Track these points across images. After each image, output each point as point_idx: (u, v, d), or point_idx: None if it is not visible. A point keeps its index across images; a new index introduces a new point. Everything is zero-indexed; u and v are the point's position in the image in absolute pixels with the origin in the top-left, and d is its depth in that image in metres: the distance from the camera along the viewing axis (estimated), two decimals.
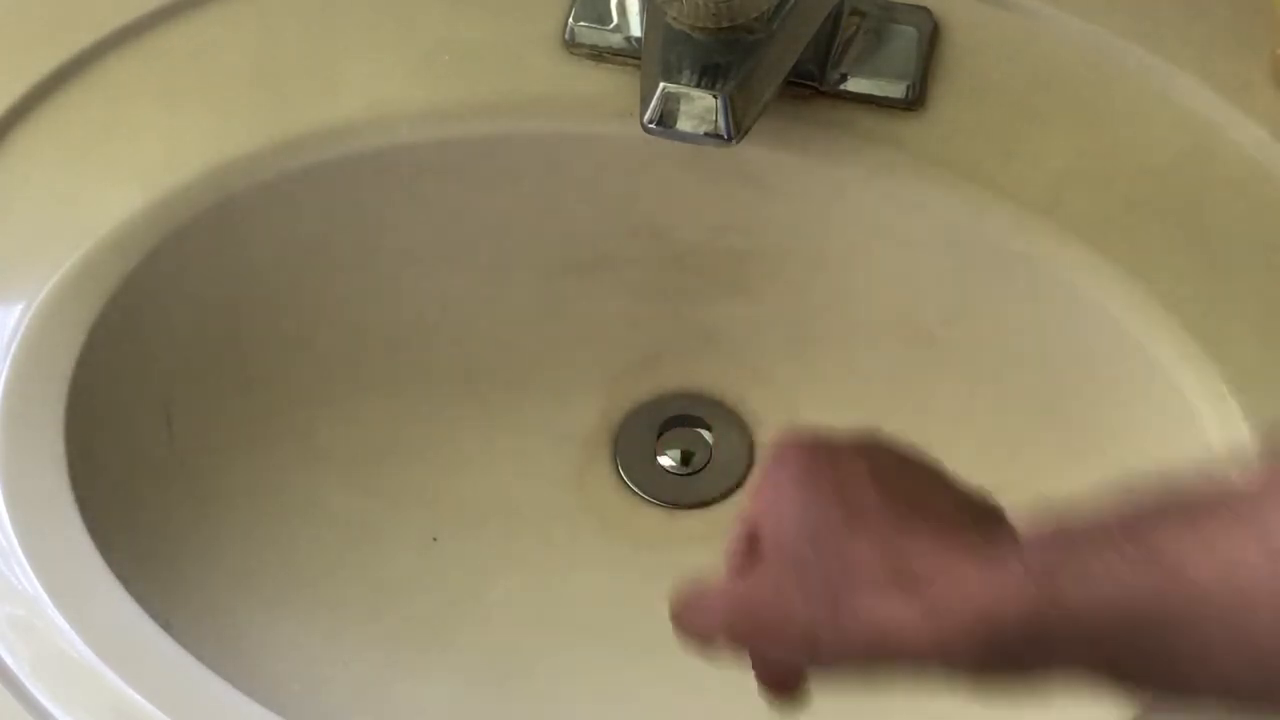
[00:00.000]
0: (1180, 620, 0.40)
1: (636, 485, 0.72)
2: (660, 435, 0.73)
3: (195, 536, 0.67)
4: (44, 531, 0.60)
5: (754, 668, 0.50)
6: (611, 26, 0.69)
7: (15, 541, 0.59)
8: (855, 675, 0.45)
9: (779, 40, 0.64)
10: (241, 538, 0.69)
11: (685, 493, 0.72)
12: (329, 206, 0.69)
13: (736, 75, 0.63)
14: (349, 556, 0.69)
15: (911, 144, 0.67)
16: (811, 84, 0.67)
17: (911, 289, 0.69)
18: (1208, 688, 0.41)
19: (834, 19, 0.68)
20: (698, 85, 0.63)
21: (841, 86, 0.68)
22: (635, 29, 0.69)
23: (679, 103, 0.63)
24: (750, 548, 0.49)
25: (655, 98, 0.63)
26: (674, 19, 0.63)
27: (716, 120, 0.63)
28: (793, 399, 0.72)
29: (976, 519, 0.46)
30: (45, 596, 0.58)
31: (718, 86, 0.63)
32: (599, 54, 0.69)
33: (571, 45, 0.69)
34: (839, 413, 0.70)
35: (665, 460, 0.73)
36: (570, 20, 0.69)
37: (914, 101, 0.68)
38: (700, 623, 0.49)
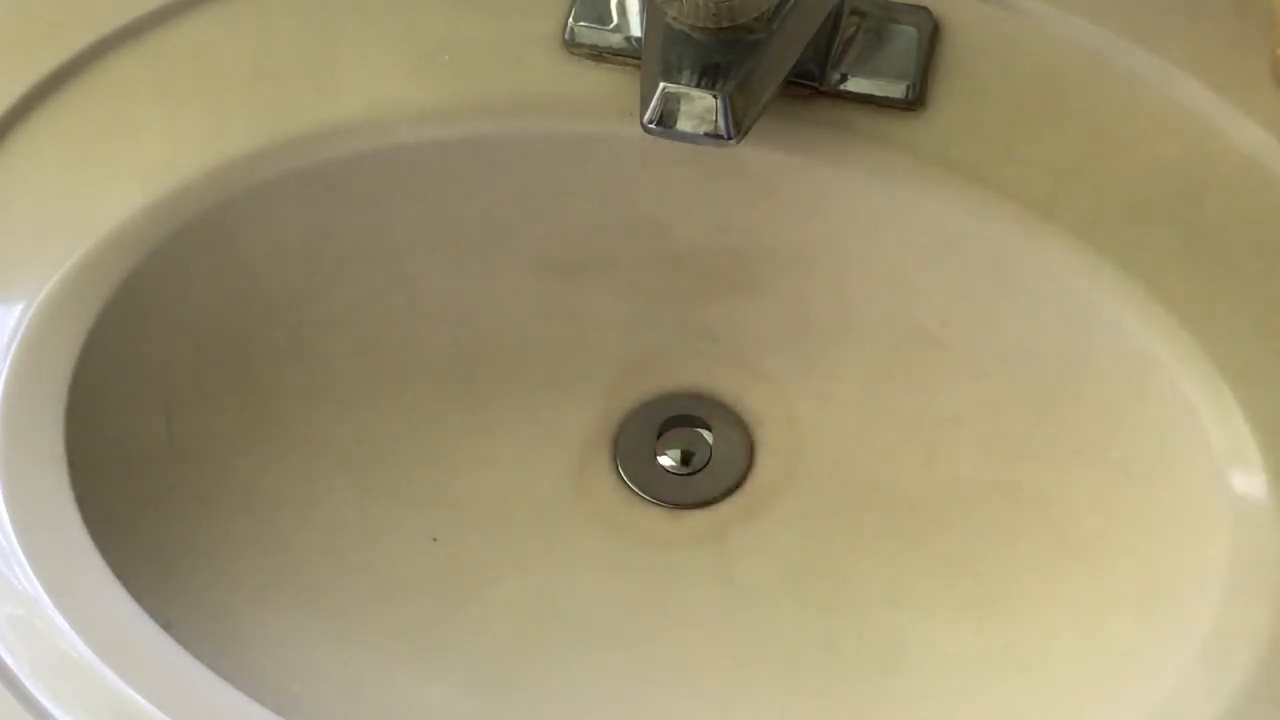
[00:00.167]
0: None
1: (636, 485, 0.72)
2: (660, 435, 0.73)
3: (195, 536, 0.67)
4: (44, 531, 0.60)
5: None
6: (611, 26, 0.69)
7: (15, 541, 0.59)
8: None
9: (779, 40, 0.64)
10: (241, 538, 0.69)
11: (685, 493, 0.72)
12: (329, 206, 0.69)
13: (736, 75, 0.63)
14: (349, 556, 0.69)
15: (911, 144, 0.67)
16: (811, 84, 0.67)
17: (911, 289, 0.69)
18: None
19: (834, 19, 0.68)
20: (698, 85, 0.63)
21: (841, 86, 0.68)
22: (635, 29, 0.69)
23: (679, 103, 0.63)
24: None
25: (655, 98, 0.63)
26: (674, 19, 0.63)
27: (716, 120, 0.63)
28: (793, 399, 0.72)
29: None
30: (45, 596, 0.58)
31: (718, 86, 0.63)
32: (599, 54, 0.69)
33: (571, 45, 0.69)
34: (839, 413, 0.70)
35: (665, 460, 0.73)
36: (570, 20, 0.69)
37: (914, 101, 0.68)
38: None
